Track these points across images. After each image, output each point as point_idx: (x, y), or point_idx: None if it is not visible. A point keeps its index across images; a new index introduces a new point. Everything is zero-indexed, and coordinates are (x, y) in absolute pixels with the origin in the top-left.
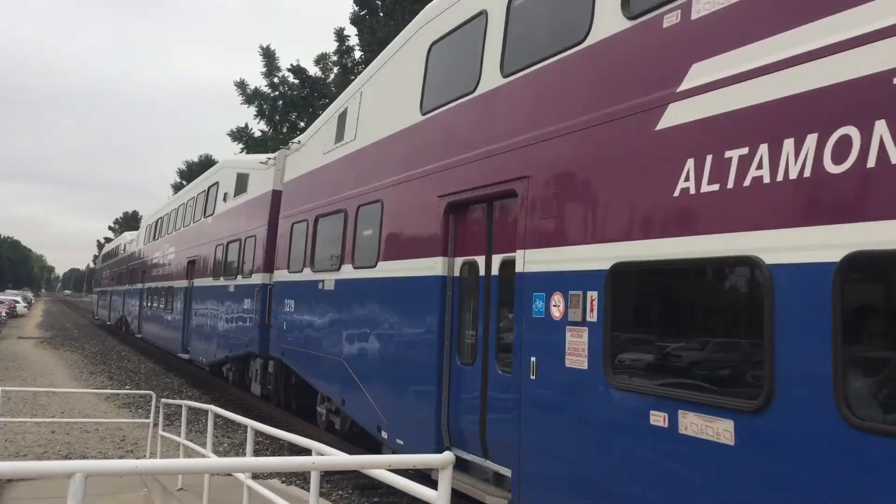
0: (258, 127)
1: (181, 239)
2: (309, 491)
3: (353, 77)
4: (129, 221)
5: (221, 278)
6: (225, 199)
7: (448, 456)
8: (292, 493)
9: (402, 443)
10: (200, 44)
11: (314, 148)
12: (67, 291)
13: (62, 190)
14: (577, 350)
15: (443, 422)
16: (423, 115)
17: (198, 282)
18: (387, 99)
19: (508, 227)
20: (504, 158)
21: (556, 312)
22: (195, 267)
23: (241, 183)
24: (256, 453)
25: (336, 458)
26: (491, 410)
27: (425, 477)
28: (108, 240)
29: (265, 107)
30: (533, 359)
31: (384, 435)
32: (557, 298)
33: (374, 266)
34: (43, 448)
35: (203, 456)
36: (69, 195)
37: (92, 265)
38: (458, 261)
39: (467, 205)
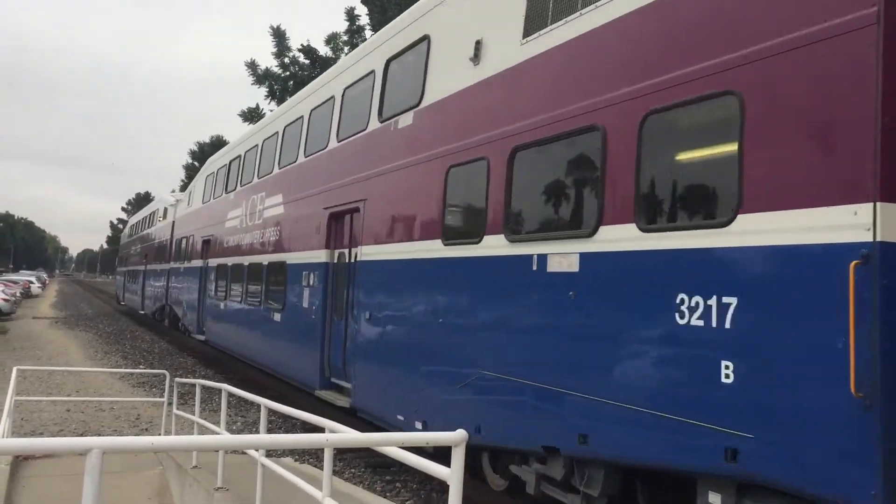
0: (269, 108)
1: (303, 179)
2: (322, 469)
3: None
4: (142, 203)
5: (483, 239)
6: (476, 60)
7: (461, 433)
8: (305, 471)
9: None
10: (212, 26)
11: None
12: (80, 274)
13: (73, 171)
14: None
15: None
16: None
17: (371, 251)
18: None
19: None
20: None
21: None
22: (359, 225)
23: None
24: (270, 432)
25: (349, 435)
26: None
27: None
28: (121, 221)
29: (276, 87)
30: None
31: None
32: None
33: None
34: (59, 426)
35: (217, 434)
36: (81, 177)
37: (105, 246)
38: None
39: None
